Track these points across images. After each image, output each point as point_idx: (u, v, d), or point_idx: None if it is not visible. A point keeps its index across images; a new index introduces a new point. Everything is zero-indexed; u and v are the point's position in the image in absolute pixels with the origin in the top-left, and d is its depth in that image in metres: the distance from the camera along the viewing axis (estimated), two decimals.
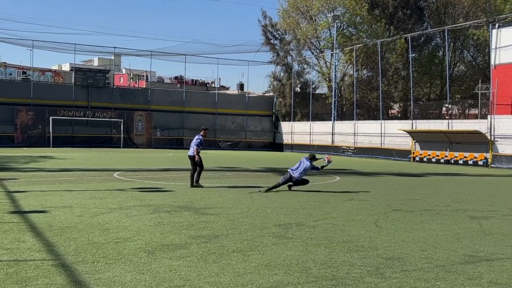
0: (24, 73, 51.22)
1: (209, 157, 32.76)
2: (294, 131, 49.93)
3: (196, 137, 14.68)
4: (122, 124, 45.14)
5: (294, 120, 51.00)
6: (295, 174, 13.79)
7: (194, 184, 14.23)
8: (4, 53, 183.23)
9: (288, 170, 14.05)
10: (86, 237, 7.32)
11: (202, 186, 14.19)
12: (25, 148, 37.77)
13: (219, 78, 70.67)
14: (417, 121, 36.84)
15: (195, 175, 14.32)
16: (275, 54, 53.81)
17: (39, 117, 42.32)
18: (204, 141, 14.99)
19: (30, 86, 43.79)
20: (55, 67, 69.28)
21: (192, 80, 69.44)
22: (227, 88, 72.86)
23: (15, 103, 42.23)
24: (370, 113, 47.10)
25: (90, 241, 7.11)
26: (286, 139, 50.91)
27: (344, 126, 44.04)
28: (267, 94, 56.03)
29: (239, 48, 53.32)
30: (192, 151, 14.47)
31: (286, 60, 53.90)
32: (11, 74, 54.78)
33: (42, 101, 43.15)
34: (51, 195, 11.93)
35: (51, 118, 42.06)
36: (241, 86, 65.46)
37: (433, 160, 33.61)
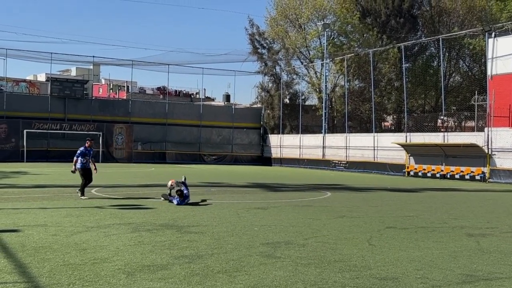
0: None
1: (194, 172, 32.66)
2: (283, 144, 50.01)
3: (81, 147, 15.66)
4: (101, 137, 44.83)
5: (283, 133, 51.14)
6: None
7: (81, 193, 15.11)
8: None
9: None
10: (61, 258, 7.24)
11: (81, 198, 14.84)
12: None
13: (204, 89, 70.57)
14: (412, 133, 37.13)
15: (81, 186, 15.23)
16: (263, 63, 54.09)
17: (13, 130, 41.92)
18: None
19: (3, 97, 43.40)
20: (30, 77, 68.86)
21: (176, 91, 69.48)
22: (213, 99, 72.95)
23: None
24: (362, 126, 47.42)
25: (66, 262, 7.02)
26: (275, 153, 50.96)
27: (335, 139, 44.22)
28: (255, 106, 56.18)
29: (225, 57, 53.59)
30: (76, 162, 15.39)
31: (274, 70, 54.19)
32: None
33: (16, 113, 42.76)
34: (24, 213, 11.79)
35: (25, 131, 41.66)
36: (227, 97, 65.56)
37: (429, 174, 33.82)
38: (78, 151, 15.45)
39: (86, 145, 15.69)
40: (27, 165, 36.40)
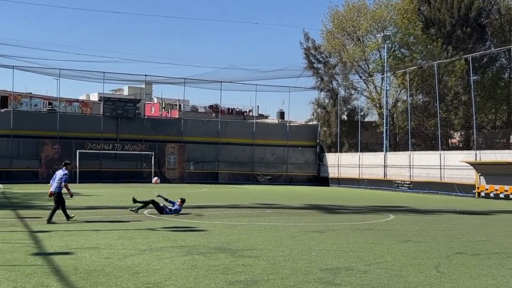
0: (50, 104, 53.08)
1: (247, 192, 32.82)
2: (341, 163, 49.54)
3: (62, 172, 15.02)
4: (153, 157, 45.85)
5: (340, 151, 50.68)
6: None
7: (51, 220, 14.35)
8: (30, 83, 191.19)
9: None
10: (114, 282, 7.39)
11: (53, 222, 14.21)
12: (50, 184, 38.67)
13: (258, 106, 71.28)
14: (482, 151, 36.03)
15: (51, 211, 14.61)
16: (319, 79, 53.99)
17: (65, 151, 43.35)
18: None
19: (56, 118, 45.19)
20: (82, 97, 71.51)
21: (228, 108, 70.37)
22: (266, 117, 73.43)
23: (40, 136, 43.63)
24: (427, 143, 46.36)
25: (119, 285, 7.17)
26: (332, 173, 50.52)
27: (397, 158, 43.46)
28: (310, 123, 56.04)
29: (279, 73, 53.74)
30: (56, 187, 14.81)
31: (331, 86, 53.97)
32: (36, 105, 56.88)
33: (68, 133, 44.40)
34: (76, 235, 12.15)
35: (78, 151, 43.09)
36: (281, 115, 65.85)
37: (501, 195, 32.69)
38: (66, 176, 14.99)
39: (67, 168, 15.27)
40: (79, 186, 37.49)
